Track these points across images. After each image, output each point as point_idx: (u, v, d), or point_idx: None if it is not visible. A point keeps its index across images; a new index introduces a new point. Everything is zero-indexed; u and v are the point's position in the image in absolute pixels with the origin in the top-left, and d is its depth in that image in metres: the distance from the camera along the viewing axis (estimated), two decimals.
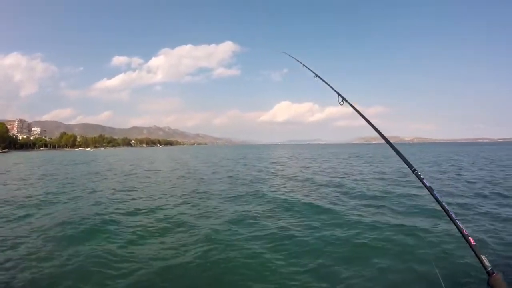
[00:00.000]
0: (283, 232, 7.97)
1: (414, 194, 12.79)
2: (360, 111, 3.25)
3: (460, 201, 13.53)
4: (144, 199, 12.71)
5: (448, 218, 1.99)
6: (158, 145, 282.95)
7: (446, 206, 2.00)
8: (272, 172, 23.94)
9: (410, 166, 2.48)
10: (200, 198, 12.75)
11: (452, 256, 6.06)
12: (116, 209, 10.76)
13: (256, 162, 37.07)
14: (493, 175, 20.52)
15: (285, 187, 15.88)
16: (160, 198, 12.87)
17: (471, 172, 23.83)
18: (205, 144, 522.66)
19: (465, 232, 1.76)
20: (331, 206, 11.28)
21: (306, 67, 4.58)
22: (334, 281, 5.33)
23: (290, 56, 5.69)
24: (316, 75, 4.18)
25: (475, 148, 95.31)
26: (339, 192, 14.32)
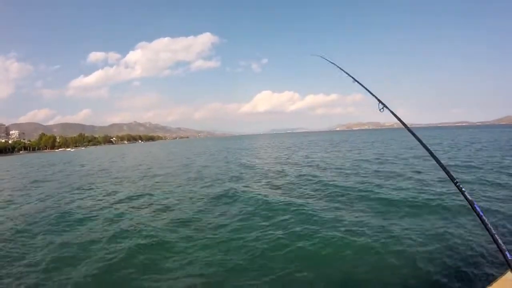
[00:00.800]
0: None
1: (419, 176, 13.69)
2: (399, 117, 3.23)
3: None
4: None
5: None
6: (140, 141, 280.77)
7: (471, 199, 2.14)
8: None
9: (452, 178, 2.40)
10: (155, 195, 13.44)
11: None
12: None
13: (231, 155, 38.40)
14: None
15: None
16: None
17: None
18: (187, 137, 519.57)
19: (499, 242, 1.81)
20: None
21: (344, 71, 4.39)
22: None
23: (326, 59, 5.39)
24: (355, 80, 4.01)
25: (451, 131, 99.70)
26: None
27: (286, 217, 9.37)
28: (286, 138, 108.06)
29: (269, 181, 16.50)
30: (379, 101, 3.25)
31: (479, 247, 6.04)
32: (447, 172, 2.50)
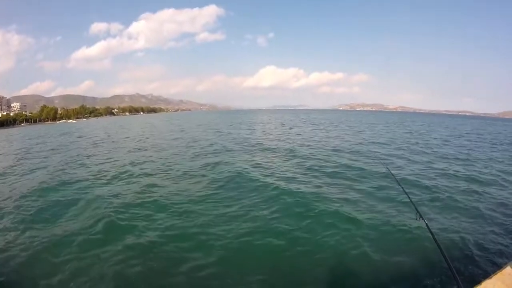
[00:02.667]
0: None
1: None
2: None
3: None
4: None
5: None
6: (141, 113, 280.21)
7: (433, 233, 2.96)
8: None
9: (418, 212, 3.53)
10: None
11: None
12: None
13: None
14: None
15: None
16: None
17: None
18: (189, 110, 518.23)
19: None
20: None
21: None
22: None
23: None
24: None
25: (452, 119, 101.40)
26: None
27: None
28: (287, 115, 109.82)
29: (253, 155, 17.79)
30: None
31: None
32: (413, 203, 3.38)
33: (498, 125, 77.67)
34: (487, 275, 4.57)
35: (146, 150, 21.79)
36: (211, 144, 23.67)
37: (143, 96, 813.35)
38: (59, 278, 5.92)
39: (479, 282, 3.89)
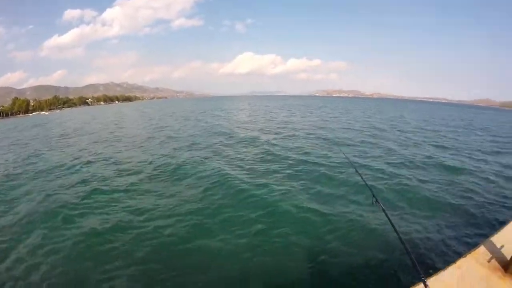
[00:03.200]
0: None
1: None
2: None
3: None
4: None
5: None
6: (116, 102, 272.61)
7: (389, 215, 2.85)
8: None
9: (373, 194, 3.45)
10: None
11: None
12: None
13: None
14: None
15: None
16: None
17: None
18: (165, 98, 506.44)
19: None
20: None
21: None
22: None
23: None
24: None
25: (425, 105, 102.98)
26: None
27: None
28: (265, 101, 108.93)
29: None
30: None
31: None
32: (369, 188, 3.34)
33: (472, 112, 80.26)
34: (445, 261, 5.02)
35: (105, 141, 21.94)
36: (177, 131, 23.98)
37: (118, 85, 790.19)
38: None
39: (437, 268, 4.23)
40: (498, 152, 17.61)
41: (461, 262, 4.15)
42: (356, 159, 14.31)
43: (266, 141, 18.37)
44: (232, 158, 14.45)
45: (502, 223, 6.40)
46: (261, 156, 14.87)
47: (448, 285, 3.67)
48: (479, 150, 17.78)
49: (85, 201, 9.57)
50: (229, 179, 11.07)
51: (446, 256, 6.29)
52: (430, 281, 3.78)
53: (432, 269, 4.32)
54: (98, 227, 7.70)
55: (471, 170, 13.11)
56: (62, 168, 14.01)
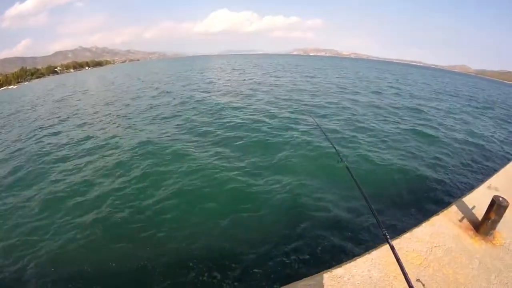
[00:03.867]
0: None
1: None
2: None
3: None
4: None
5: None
6: (87, 68, 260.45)
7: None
8: None
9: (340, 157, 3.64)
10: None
11: None
12: None
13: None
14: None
15: None
16: None
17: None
18: (138, 60, 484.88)
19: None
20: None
21: None
22: None
23: None
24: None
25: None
26: None
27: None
28: (238, 60, 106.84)
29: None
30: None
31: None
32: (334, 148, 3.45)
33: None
34: (409, 224, 5.20)
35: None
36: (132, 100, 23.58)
37: (87, 49, 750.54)
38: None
39: (403, 229, 4.41)
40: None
41: (434, 219, 4.36)
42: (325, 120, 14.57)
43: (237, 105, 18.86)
44: (193, 124, 14.57)
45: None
46: (225, 122, 15.40)
47: (421, 240, 3.89)
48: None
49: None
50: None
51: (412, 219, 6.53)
52: (405, 237, 3.95)
53: (399, 231, 4.45)
54: None
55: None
56: None
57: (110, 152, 12.17)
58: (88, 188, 9.01)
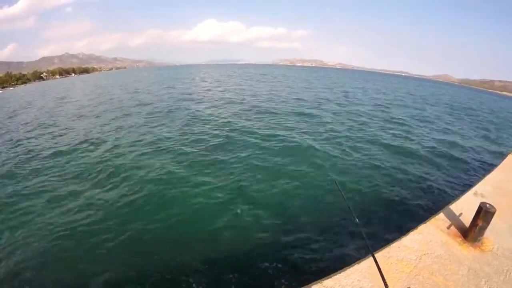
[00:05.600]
0: None
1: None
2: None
3: None
4: None
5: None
6: (73, 74, 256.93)
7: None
8: None
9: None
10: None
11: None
12: None
13: None
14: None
15: None
16: None
17: None
18: (124, 68, 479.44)
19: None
20: None
21: None
22: None
23: None
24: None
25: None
26: None
27: None
28: (222, 71, 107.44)
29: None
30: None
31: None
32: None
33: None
34: (395, 235, 5.15)
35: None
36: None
37: (73, 56, 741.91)
38: None
39: (389, 239, 4.34)
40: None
41: (422, 228, 4.32)
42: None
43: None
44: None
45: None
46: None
47: (410, 249, 3.82)
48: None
49: None
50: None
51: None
52: (394, 246, 3.89)
53: (387, 240, 4.39)
54: None
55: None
56: None
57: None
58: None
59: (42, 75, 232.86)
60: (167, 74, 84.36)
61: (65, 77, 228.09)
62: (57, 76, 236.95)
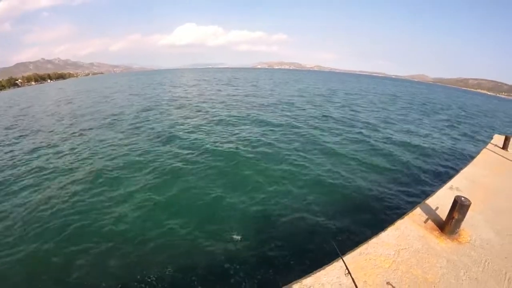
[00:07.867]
0: None
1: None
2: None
3: None
4: None
5: None
6: (49, 81, 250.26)
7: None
8: None
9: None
10: None
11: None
12: None
13: None
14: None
15: None
16: None
17: None
18: (101, 73, 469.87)
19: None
20: None
21: None
22: None
23: None
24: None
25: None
26: None
27: None
28: (196, 74, 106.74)
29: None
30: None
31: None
32: None
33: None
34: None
35: None
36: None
37: (49, 61, 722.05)
38: None
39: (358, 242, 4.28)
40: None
41: (399, 223, 4.32)
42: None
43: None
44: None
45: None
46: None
47: (388, 244, 3.79)
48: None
49: None
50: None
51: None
52: (372, 242, 3.86)
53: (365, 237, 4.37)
54: None
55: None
56: None
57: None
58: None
59: (17, 81, 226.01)
60: (140, 80, 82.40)
61: (41, 83, 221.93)
62: (33, 83, 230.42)
